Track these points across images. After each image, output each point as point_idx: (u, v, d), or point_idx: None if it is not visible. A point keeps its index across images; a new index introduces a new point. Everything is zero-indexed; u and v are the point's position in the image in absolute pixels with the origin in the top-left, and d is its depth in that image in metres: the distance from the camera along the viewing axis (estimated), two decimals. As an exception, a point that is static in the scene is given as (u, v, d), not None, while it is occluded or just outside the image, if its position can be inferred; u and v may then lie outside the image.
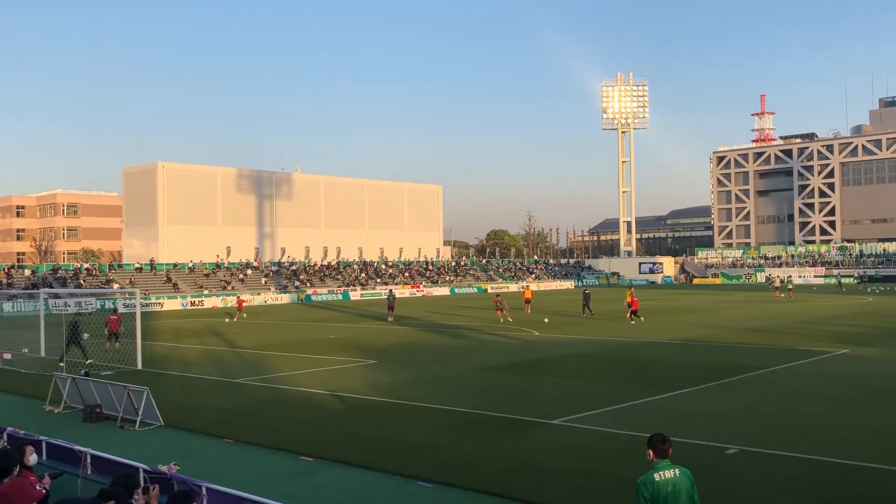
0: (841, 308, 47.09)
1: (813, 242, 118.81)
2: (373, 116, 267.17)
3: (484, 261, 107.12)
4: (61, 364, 24.08)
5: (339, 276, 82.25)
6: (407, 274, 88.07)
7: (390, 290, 50.14)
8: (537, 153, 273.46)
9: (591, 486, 11.11)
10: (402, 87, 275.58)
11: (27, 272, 66.10)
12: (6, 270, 65.08)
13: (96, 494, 6.46)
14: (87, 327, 27.61)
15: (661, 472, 6.55)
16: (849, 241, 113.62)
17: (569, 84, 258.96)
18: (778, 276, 77.78)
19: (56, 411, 17.32)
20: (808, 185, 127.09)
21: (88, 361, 24.86)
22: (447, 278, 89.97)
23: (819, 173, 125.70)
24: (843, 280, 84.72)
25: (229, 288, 70.80)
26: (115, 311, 36.14)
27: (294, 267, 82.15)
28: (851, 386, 18.89)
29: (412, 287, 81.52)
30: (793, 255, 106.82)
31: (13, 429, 11.89)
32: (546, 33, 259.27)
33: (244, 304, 51.91)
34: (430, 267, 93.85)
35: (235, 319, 46.94)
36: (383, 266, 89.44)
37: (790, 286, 64.63)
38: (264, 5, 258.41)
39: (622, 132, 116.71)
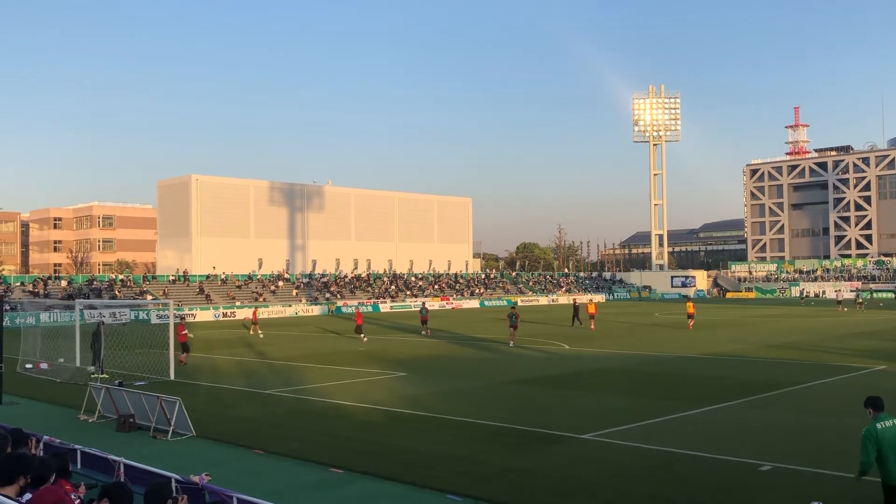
0: (878, 324, 46.20)
1: (849, 256, 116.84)
2: (402, 128, 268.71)
3: (514, 273, 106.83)
4: (104, 375, 24.13)
5: (369, 288, 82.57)
6: (436, 286, 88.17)
7: (423, 304, 49.87)
8: (568, 165, 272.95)
9: (622, 501, 11.01)
10: (431, 99, 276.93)
11: (63, 283, 67.33)
12: (43, 281, 66.37)
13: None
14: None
15: (883, 423, 8.24)
16: (886, 255, 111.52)
17: (600, 96, 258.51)
18: (840, 290, 78.44)
19: (90, 420, 17.58)
20: (843, 199, 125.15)
21: (95, 375, 24.28)
22: (477, 291, 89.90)
23: (855, 186, 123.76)
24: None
25: (261, 299, 71.40)
26: (182, 320, 36.24)
27: (325, 279, 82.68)
28: (888, 403, 18.45)
29: (442, 299, 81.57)
30: (828, 269, 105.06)
31: (49, 437, 12.08)
32: (578, 46, 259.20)
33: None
34: (460, 279, 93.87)
35: (252, 333, 44.55)
36: (413, 278, 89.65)
37: (860, 300, 63.86)
38: (296, 20, 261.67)
39: (654, 144, 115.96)
